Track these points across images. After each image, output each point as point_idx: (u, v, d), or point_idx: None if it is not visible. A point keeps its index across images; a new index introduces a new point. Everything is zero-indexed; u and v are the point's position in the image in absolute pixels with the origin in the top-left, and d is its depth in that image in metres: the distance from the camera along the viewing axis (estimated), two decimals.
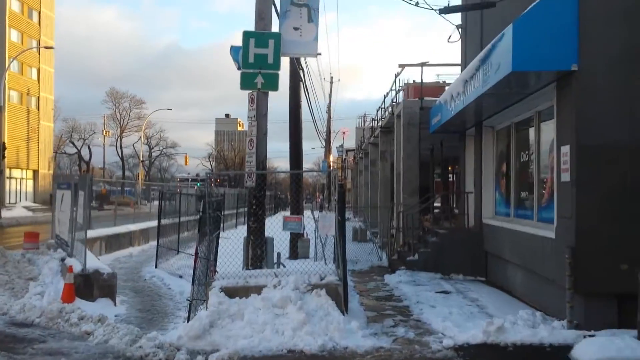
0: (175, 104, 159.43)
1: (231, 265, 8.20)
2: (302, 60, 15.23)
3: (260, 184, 8.73)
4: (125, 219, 21.59)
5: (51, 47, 43.99)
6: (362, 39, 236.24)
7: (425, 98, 14.75)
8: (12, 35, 45.51)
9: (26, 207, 39.67)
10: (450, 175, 24.22)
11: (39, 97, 50.09)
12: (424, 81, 16.11)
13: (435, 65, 28.65)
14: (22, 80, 47.20)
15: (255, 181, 8.60)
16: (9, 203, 41.14)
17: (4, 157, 35.87)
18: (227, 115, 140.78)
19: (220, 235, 9.29)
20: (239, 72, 8.96)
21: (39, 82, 50.05)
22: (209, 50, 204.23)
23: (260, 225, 8.87)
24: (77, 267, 8.92)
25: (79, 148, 73.18)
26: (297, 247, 13.40)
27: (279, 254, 9.63)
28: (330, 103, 42.21)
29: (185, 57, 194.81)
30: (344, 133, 53.09)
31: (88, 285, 8.79)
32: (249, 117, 8.91)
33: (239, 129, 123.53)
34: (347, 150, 55.03)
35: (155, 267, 13.55)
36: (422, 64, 16.10)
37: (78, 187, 10.14)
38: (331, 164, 47.20)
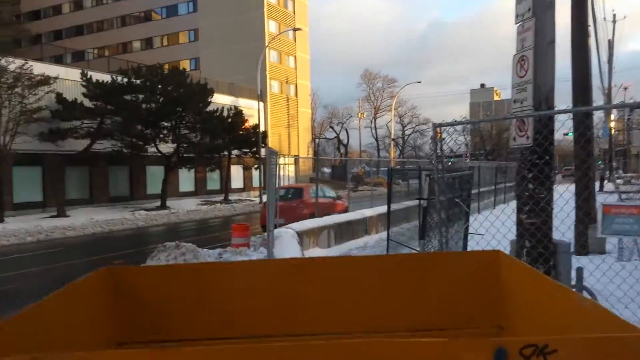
0: (427, 81, 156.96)
1: None
2: None
3: (543, 140, 4.52)
4: (377, 199, 19.40)
5: (299, 29, 44.91)
6: None
7: None
8: (271, 27, 48.30)
9: None
10: None
11: (296, 85, 52.61)
12: None
13: None
14: (281, 70, 49.99)
15: (533, 134, 4.46)
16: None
17: (265, 144, 38.00)
18: (482, 86, 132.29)
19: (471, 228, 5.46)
20: None
21: (296, 70, 52.53)
22: (466, 23, 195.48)
23: (544, 220, 4.72)
24: None
25: (337, 132, 76.45)
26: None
27: (579, 270, 5.28)
28: (612, 49, 33.51)
29: (442, 33, 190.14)
30: (625, 88, 43.37)
31: None
32: (517, 14, 4.78)
33: (495, 98, 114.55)
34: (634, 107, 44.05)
35: None
36: None
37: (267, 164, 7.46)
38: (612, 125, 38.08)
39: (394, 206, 14.22)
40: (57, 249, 16.11)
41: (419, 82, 74.49)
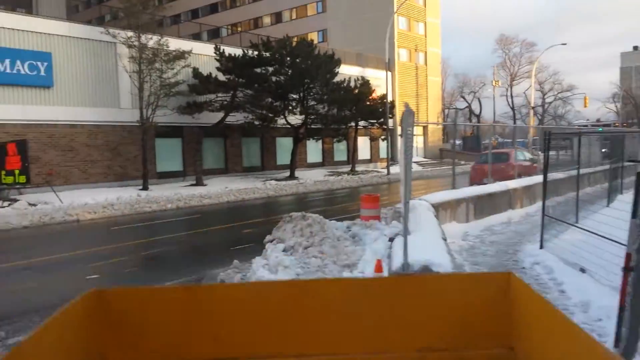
0: (570, 44, 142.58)
1: None
2: None
3: None
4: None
5: None
6: None
7: None
8: None
9: (416, 162, 40.10)
10: None
11: (426, 53, 50.32)
12: None
13: None
14: (409, 37, 48.02)
15: None
16: None
17: (393, 115, 36.86)
18: (635, 48, 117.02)
19: None
20: None
21: (425, 37, 50.19)
22: None
23: None
24: (397, 261, 5.41)
25: (469, 102, 72.57)
26: None
27: None
28: None
29: None
30: None
31: None
32: None
33: None
34: None
35: (540, 247, 8.95)
36: None
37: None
38: None
39: (537, 178, 12.54)
40: (193, 215, 16.75)
41: (563, 44, 67.89)
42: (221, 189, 22.47)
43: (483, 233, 10.67)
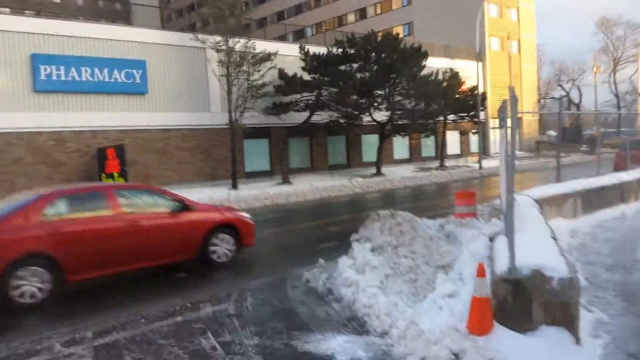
0: None
1: None
2: None
3: None
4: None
5: None
6: None
7: None
8: None
9: None
10: None
11: (519, 40, 47.57)
12: None
13: None
14: (501, 25, 45.61)
15: None
16: (495, 153, 40.49)
17: (484, 107, 35.07)
18: None
19: None
20: None
21: (519, 24, 47.46)
22: None
23: None
24: (501, 264, 4.76)
25: (567, 90, 67.90)
26: None
27: None
28: None
29: None
30: None
31: (520, 301, 4.49)
32: None
33: None
34: None
35: None
36: None
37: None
38: None
39: None
40: (280, 214, 16.71)
41: None
42: (307, 187, 22.38)
43: (594, 230, 9.57)
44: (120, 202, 7.67)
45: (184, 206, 8.27)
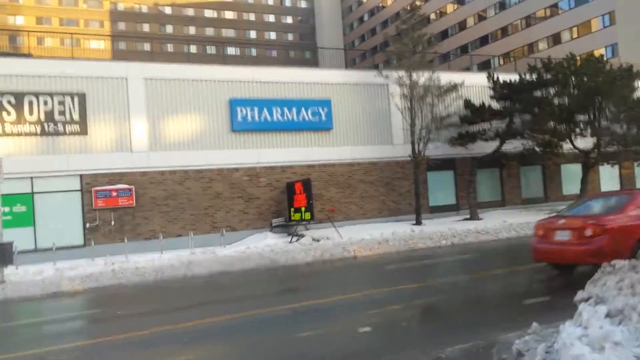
0: None
1: None
2: None
3: None
4: None
5: None
6: None
7: None
8: None
9: None
10: None
11: None
12: None
13: None
14: None
15: None
16: None
17: None
18: None
19: None
20: None
21: None
22: None
23: None
24: None
25: None
26: None
27: None
28: None
29: None
30: None
31: None
32: None
33: None
34: None
35: None
36: None
37: None
38: None
39: None
40: (471, 254, 15.26)
41: None
42: (499, 224, 20.38)
43: None
44: None
45: None
